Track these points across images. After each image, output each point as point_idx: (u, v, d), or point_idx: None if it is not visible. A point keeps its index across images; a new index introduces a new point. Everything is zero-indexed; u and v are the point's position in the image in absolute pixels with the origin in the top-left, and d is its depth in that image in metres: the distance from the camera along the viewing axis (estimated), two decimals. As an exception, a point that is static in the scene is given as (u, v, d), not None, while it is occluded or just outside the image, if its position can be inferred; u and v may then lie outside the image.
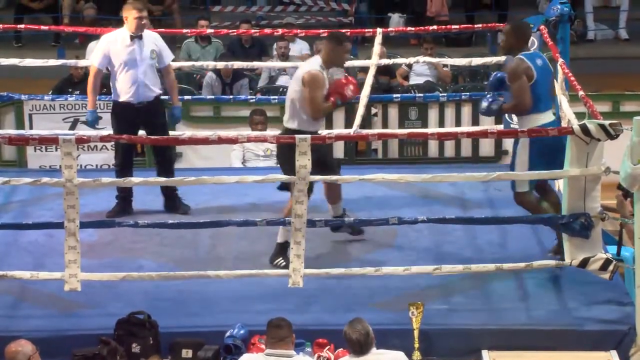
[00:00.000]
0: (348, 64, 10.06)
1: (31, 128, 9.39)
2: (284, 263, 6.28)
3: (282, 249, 6.40)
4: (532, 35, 7.73)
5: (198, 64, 10.29)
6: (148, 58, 7.13)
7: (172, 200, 7.25)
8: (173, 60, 7.44)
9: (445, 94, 9.89)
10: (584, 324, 5.83)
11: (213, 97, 9.99)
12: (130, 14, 7.09)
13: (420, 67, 11.19)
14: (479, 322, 5.88)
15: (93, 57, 7.25)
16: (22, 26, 11.09)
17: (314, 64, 6.45)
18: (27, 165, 9.50)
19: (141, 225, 5.93)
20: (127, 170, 7.09)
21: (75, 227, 5.63)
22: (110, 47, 7.13)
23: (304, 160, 5.62)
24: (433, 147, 9.96)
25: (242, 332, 5.66)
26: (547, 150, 6.08)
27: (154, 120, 7.17)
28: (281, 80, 10.98)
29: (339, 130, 9.15)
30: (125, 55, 7.10)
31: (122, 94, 7.13)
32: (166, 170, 7.19)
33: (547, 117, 6.29)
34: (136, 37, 7.11)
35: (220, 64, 9.65)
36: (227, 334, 5.64)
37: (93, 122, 7.24)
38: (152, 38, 7.24)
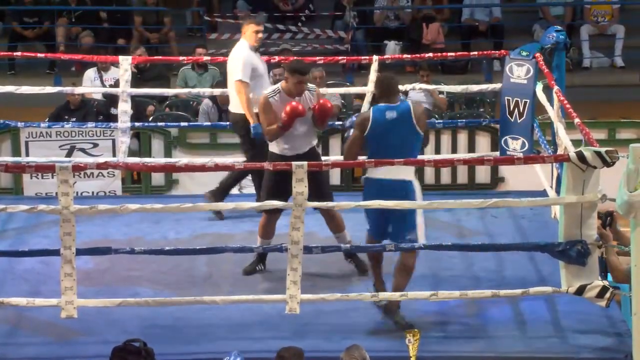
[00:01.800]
0: (344, 90, 10.19)
1: (27, 155, 9.39)
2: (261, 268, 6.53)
3: (259, 258, 6.64)
4: (528, 63, 7.78)
5: (195, 91, 10.31)
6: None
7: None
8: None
9: (441, 121, 9.91)
10: (580, 351, 5.82)
11: (209, 124, 10.00)
12: (249, 28, 7.46)
13: (416, 94, 11.20)
14: (476, 350, 5.87)
15: (242, 74, 7.36)
16: (19, 53, 11.14)
17: (269, 88, 6.72)
18: (24, 193, 9.50)
19: (137, 251, 5.92)
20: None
21: (72, 254, 5.62)
22: (252, 60, 7.43)
23: (300, 187, 5.63)
24: (429, 174, 9.97)
25: (238, 359, 5.63)
26: None
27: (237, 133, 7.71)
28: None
29: (335, 157, 9.15)
30: (261, 66, 7.50)
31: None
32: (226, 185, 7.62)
33: (383, 172, 6.04)
34: (256, 49, 7.44)
35: (217, 91, 9.67)
36: (223, 361, 5.62)
37: (258, 135, 7.26)
38: (231, 54, 7.57)
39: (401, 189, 6.01)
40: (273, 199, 6.07)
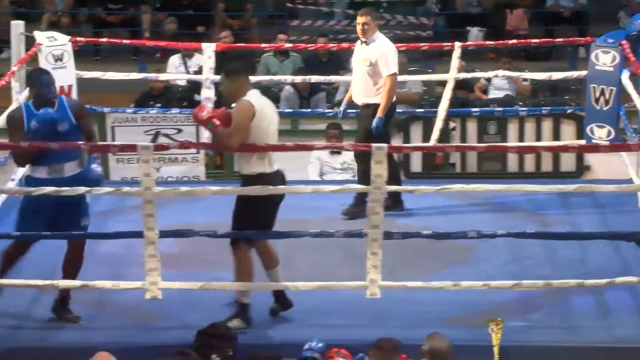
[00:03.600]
0: (425, 77, 10.14)
1: (113, 140, 9.52)
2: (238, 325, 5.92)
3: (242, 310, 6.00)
4: (614, 50, 7.64)
5: (276, 78, 10.34)
6: (361, 64, 7.38)
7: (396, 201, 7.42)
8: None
9: (525, 108, 9.79)
10: (666, 342, 5.71)
11: (291, 110, 10.03)
12: (356, 20, 7.49)
13: (499, 81, 11.11)
14: (559, 339, 5.79)
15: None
16: (105, 40, 11.31)
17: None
18: (110, 177, 9.64)
19: (219, 235, 5.97)
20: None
21: (155, 235, 5.68)
22: (355, 50, 7.53)
23: (379, 170, 5.60)
24: (512, 162, 9.86)
25: (319, 345, 5.64)
26: None
27: (360, 124, 7.54)
28: (358, 94, 10.97)
29: (416, 144, 9.11)
30: (354, 58, 7.51)
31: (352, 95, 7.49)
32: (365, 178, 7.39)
33: None
34: (364, 42, 7.40)
35: (298, 78, 9.69)
36: (305, 347, 5.64)
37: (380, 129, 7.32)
38: (374, 48, 7.41)
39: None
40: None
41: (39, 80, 6.01)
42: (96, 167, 6.07)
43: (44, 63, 7.83)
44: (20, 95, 7.72)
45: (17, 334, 5.89)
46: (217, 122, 5.79)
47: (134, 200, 6.07)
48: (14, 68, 7.76)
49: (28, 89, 6.38)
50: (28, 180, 6.03)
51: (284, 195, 5.95)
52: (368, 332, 5.58)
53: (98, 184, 5.97)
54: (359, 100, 7.49)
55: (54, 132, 5.88)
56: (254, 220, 5.90)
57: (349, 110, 7.69)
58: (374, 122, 7.31)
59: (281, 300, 6.10)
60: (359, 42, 7.53)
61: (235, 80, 5.92)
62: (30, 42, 8.18)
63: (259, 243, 6.01)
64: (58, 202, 5.86)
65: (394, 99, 7.44)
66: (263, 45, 10.07)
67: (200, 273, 6.48)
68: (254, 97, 5.88)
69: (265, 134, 5.86)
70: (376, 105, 7.35)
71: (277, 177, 5.93)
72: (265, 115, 5.88)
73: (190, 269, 6.53)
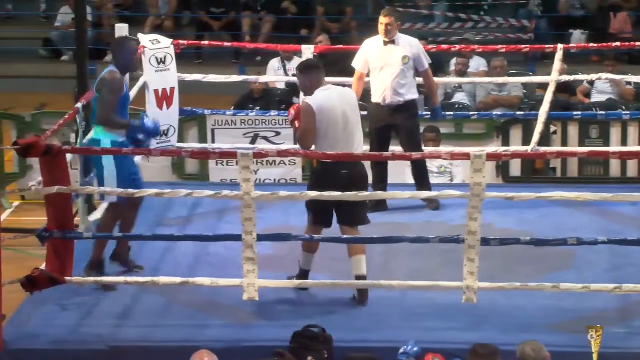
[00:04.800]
0: (526, 80, 10.03)
1: (213, 142, 9.64)
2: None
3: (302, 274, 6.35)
4: None
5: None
6: (399, 63, 7.40)
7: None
8: None
9: (628, 112, 9.60)
10: None
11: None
12: (379, 21, 7.56)
13: (602, 85, 10.92)
14: (661, 348, 5.68)
15: (355, 61, 7.61)
16: (206, 43, 11.47)
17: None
18: (209, 179, 9.77)
19: (316, 239, 6.00)
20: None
21: (253, 239, 5.75)
22: (368, 51, 7.54)
23: (478, 177, 5.57)
24: (615, 167, 9.68)
25: (415, 349, 5.62)
26: None
27: (403, 124, 7.54)
28: (457, 97, 10.92)
29: (515, 147, 9.01)
30: (378, 59, 7.48)
31: (374, 96, 7.56)
32: (418, 177, 7.58)
33: None
34: (389, 42, 7.42)
35: (397, 81, 9.66)
36: (401, 350, 5.62)
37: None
38: (408, 44, 7.55)
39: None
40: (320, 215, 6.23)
41: (127, 47, 6.54)
42: (148, 121, 6.51)
43: (148, 66, 7.98)
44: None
45: (119, 332, 6.01)
46: (297, 124, 6.15)
47: (235, 201, 6.15)
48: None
49: (112, 55, 6.85)
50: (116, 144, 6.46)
51: (348, 183, 6.09)
52: (465, 336, 5.54)
53: (156, 133, 6.65)
54: (397, 101, 7.51)
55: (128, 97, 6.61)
56: (315, 203, 6.19)
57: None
58: (439, 112, 7.72)
59: (362, 292, 6.21)
60: (376, 43, 7.53)
61: (306, 76, 6.19)
62: (134, 45, 8.33)
63: (344, 230, 6.26)
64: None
65: None
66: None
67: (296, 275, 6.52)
68: (317, 97, 6.12)
69: (333, 131, 6.09)
70: (417, 103, 7.62)
71: (340, 169, 6.12)
72: (324, 117, 6.08)
73: (287, 271, 6.57)
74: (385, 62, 7.48)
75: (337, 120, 6.12)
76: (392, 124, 7.59)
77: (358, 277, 6.17)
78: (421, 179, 7.66)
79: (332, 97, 6.16)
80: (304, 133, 6.11)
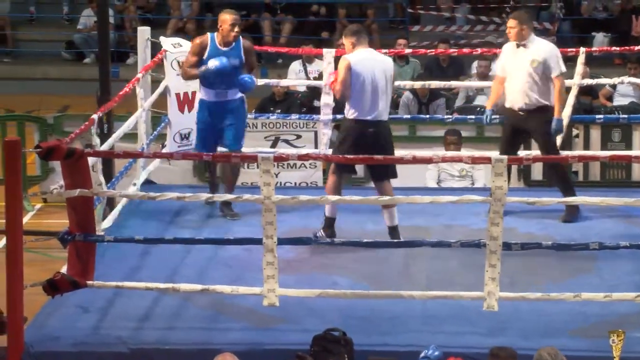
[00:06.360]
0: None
1: (234, 144, 9.63)
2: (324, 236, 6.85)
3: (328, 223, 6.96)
4: None
5: (395, 83, 10.32)
6: (528, 67, 7.34)
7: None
8: None
9: (651, 116, 9.56)
10: None
11: (409, 116, 10.01)
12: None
13: (624, 88, 10.86)
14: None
15: (495, 65, 7.66)
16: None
17: None
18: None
19: (337, 242, 5.99)
20: None
21: (273, 243, 5.75)
22: (504, 55, 7.56)
23: (499, 182, 5.55)
24: (637, 171, 9.63)
25: (436, 353, 5.60)
26: None
27: (535, 129, 7.39)
28: (479, 100, 10.89)
29: (537, 151, 8.98)
30: (511, 62, 7.46)
31: (506, 100, 7.49)
32: (559, 184, 7.40)
33: None
34: (520, 45, 7.39)
35: (418, 84, 9.66)
36: (422, 354, 5.60)
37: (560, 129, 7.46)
38: (540, 48, 7.41)
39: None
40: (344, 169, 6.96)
41: (233, 11, 7.48)
42: (245, 78, 7.35)
43: (169, 69, 7.99)
44: (145, 102, 7.89)
45: (140, 335, 6.02)
46: (333, 76, 7.06)
47: (255, 204, 6.15)
48: (139, 75, 7.91)
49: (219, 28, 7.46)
50: (200, 102, 7.53)
51: (373, 140, 6.83)
52: (486, 340, 5.52)
53: (249, 90, 7.45)
54: (527, 105, 7.36)
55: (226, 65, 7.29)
56: (342, 152, 6.89)
57: (494, 116, 7.62)
58: (555, 124, 7.33)
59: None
60: (509, 46, 7.48)
61: (347, 39, 6.97)
62: (156, 47, 8.36)
63: (378, 185, 7.03)
64: (221, 117, 7.49)
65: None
66: (383, 50, 10.06)
67: (317, 277, 6.52)
68: (355, 55, 6.90)
69: (362, 87, 6.82)
70: (550, 108, 7.32)
71: (367, 126, 6.85)
72: (361, 72, 6.83)
73: (308, 273, 6.57)
74: (516, 66, 7.39)
75: (366, 80, 6.83)
76: (523, 128, 7.43)
77: (390, 227, 6.91)
78: (562, 183, 7.40)
79: (368, 57, 6.91)
80: (339, 83, 6.85)
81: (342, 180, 7.05)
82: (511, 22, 7.41)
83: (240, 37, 7.53)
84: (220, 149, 7.59)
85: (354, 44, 6.96)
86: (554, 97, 7.34)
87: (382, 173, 6.97)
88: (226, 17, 7.43)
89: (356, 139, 6.87)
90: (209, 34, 7.50)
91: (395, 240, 6.16)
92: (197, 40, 7.52)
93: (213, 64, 7.29)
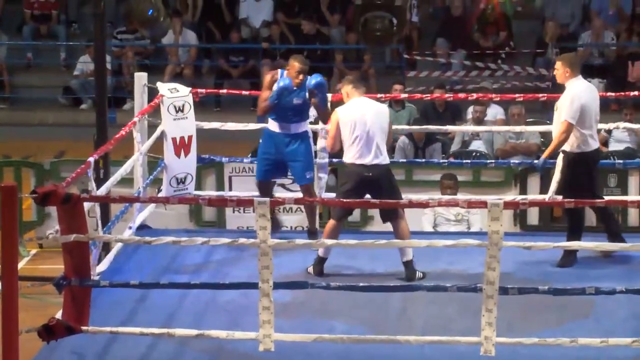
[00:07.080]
0: (544, 128, 10.01)
1: (230, 189, 9.66)
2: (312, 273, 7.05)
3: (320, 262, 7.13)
4: None
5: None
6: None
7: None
8: None
9: (648, 162, 9.58)
10: None
11: (405, 160, 10.03)
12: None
13: (620, 133, 10.92)
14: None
15: (569, 115, 7.32)
16: (225, 91, 11.54)
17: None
18: (226, 226, 9.76)
19: (333, 287, 5.98)
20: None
21: (269, 287, 5.74)
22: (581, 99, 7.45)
23: (495, 226, 5.55)
24: (633, 216, 9.63)
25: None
26: None
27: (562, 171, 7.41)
28: (474, 145, 10.93)
29: (533, 195, 8.99)
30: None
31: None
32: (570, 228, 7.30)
33: None
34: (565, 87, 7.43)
35: (414, 128, 9.69)
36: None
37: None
38: (565, 93, 7.39)
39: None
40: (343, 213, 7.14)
41: (303, 60, 7.61)
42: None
43: (166, 114, 8.02)
44: (142, 146, 7.91)
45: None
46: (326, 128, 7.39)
47: (251, 248, 6.14)
48: (135, 119, 7.94)
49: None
50: (265, 132, 7.80)
51: (376, 183, 7.03)
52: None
53: (322, 84, 7.56)
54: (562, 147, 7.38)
55: (289, 102, 7.52)
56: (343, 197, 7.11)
57: (550, 160, 7.55)
58: (538, 162, 7.56)
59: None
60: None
61: (342, 89, 7.29)
62: (153, 93, 8.39)
63: (393, 228, 7.13)
64: (285, 150, 7.67)
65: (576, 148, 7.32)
66: (379, 95, 10.11)
67: (314, 321, 6.50)
68: (346, 106, 7.16)
69: (354, 134, 7.05)
70: (569, 154, 7.31)
71: (363, 171, 7.05)
72: (351, 120, 7.06)
73: (304, 317, 6.54)
74: (556, 108, 7.46)
75: (357, 126, 7.04)
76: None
77: (404, 262, 7.09)
78: (572, 225, 7.28)
79: (360, 105, 7.13)
80: (330, 138, 7.23)
81: (342, 225, 7.24)
82: (557, 64, 7.43)
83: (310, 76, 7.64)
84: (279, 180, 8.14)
85: (348, 94, 7.22)
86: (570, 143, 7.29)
87: (390, 212, 7.10)
88: (294, 64, 7.57)
89: (356, 183, 7.06)
90: (279, 70, 7.71)
91: (391, 285, 6.14)
92: (268, 75, 7.74)
93: (277, 85, 7.51)
